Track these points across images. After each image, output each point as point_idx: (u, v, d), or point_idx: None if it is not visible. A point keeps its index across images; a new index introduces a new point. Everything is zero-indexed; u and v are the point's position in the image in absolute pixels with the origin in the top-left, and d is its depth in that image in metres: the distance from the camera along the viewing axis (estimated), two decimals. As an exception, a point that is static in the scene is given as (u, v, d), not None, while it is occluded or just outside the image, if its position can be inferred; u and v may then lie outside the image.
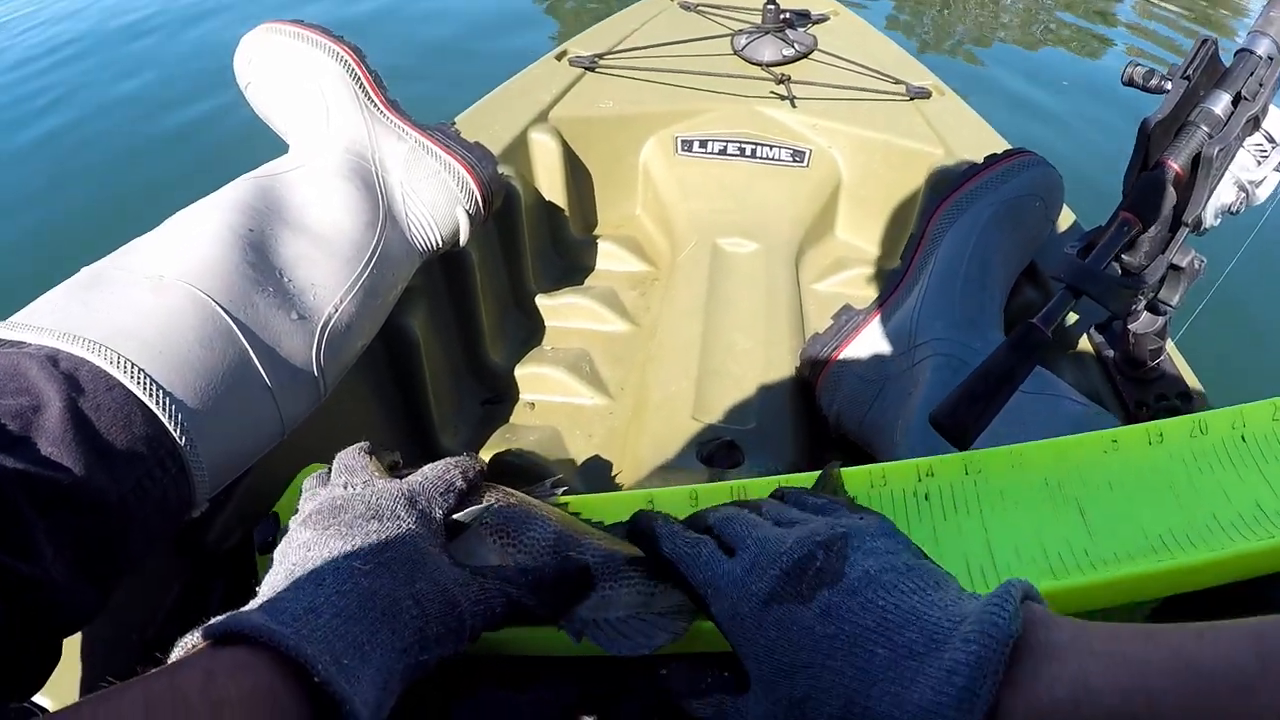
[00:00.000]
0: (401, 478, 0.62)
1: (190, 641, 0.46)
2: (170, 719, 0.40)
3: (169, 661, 0.46)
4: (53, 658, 0.57)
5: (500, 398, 1.22)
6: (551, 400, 1.21)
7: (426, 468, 0.62)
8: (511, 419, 1.20)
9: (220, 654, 0.44)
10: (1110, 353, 1.08)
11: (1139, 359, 1.03)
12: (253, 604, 0.49)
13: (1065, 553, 0.68)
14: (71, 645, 0.65)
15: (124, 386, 0.62)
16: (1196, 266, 0.93)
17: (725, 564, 0.55)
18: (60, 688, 0.63)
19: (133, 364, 0.63)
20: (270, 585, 0.52)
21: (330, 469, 0.63)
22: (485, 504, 0.63)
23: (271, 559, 0.59)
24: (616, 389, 1.21)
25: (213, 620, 0.46)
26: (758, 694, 0.51)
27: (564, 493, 0.73)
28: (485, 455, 1.13)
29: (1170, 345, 1.05)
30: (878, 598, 0.47)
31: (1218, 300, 1.02)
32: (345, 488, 0.58)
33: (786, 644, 0.49)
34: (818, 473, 0.75)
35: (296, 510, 0.61)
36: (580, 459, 1.12)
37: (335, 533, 0.53)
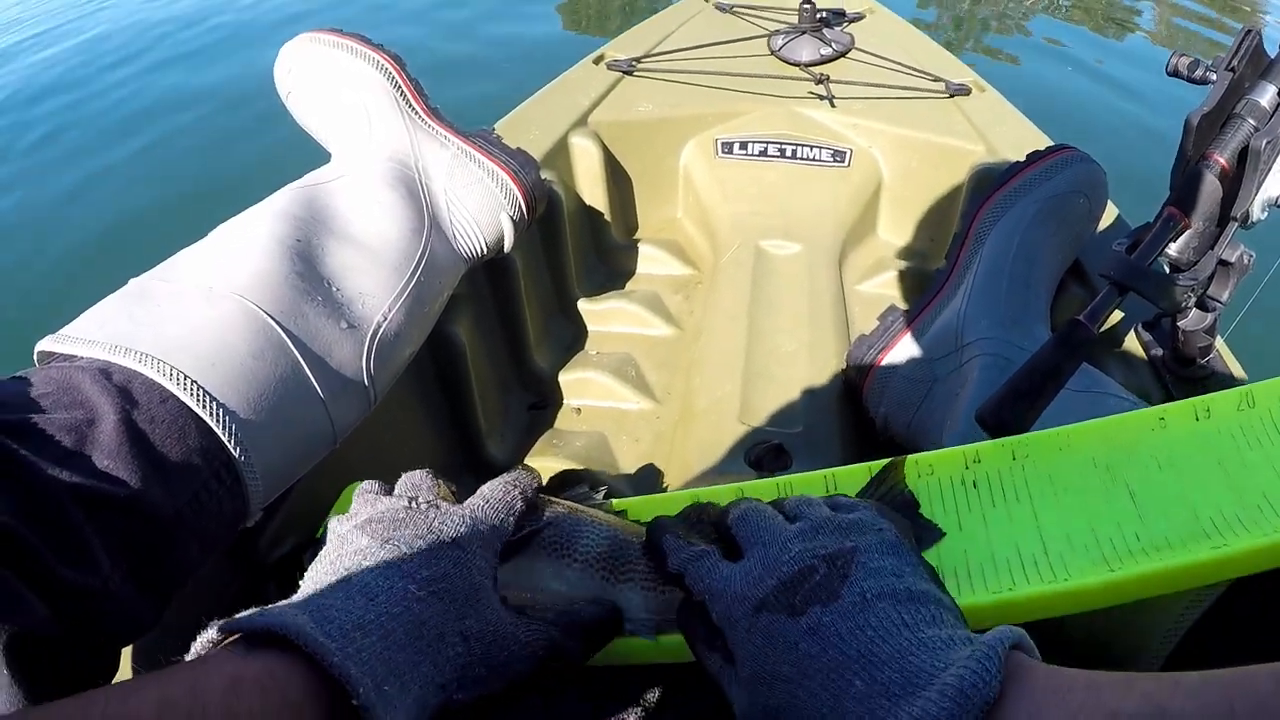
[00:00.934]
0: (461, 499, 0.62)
1: (211, 637, 0.46)
2: None
3: (193, 653, 0.45)
4: (111, 665, 0.58)
5: (546, 403, 1.23)
6: (598, 405, 1.22)
7: (487, 489, 0.61)
8: (558, 424, 1.20)
9: (250, 659, 0.43)
10: (1159, 351, 1.07)
11: (1188, 356, 1.02)
12: (293, 600, 0.49)
13: (1117, 538, 0.67)
14: (124, 653, 0.66)
15: (178, 399, 0.63)
16: (1245, 262, 0.92)
17: (725, 569, 0.54)
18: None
19: (186, 376, 0.64)
20: (314, 582, 0.51)
21: (381, 485, 0.63)
22: (541, 519, 0.63)
23: None
24: (662, 393, 1.22)
25: (248, 613, 0.45)
26: (742, 691, 0.51)
27: (605, 494, 0.73)
28: (532, 461, 1.14)
29: (1220, 342, 1.04)
30: (867, 625, 0.47)
31: (1269, 295, 1.01)
32: (410, 504, 0.58)
33: (771, 653, 0.49)
34: (866, 464, 0.75)
35: (349, 514, 0.61)
36: (627, 464, 1.12)
37: (394, 548, 0.53)
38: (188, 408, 0.63)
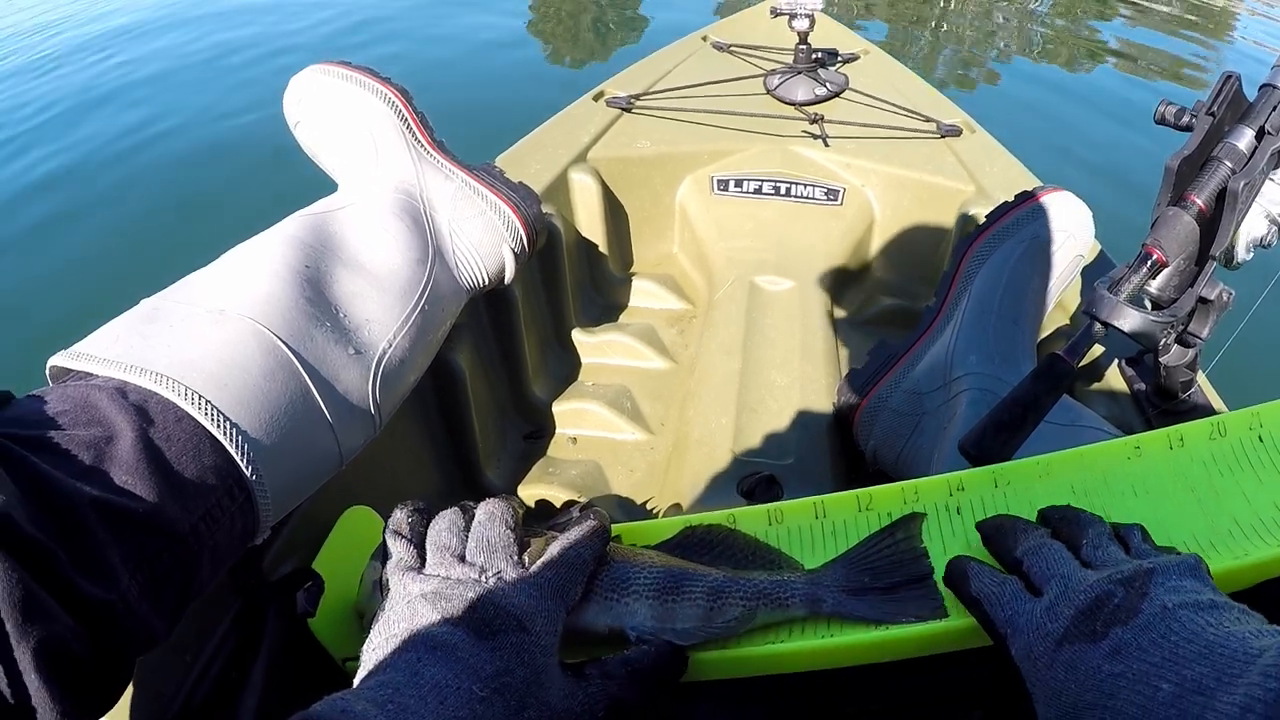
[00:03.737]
0: (532, 539, 0.65)
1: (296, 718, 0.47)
2: None
3: None
4: (124, 678, 0.59)
5: (542, 432, 1.25)
6: (593, 435, 1.24)
7: (558, 550, 0.63)
8: (553, 453, 1.22)
9: None
10: (1142, 385, 1.09)
11: (1170, 391, 1.04)
12: (368, 688, 0.51)
13: None
14: None
15: (192, 418, 0.64)
16: (1225, 299, 0.94)
17: (1026, 604, 0.55)
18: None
19: (201, 396, 0.65)
20: (383, 658, 0.54)
21: (416, 517, 0.66)
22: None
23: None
24: (657, 424, 1.23)
25: (326, 706, 0.48)
26: None
27: (580, 511, 0.75)
28: (527, 489, 1.16)
29: (1201, 377, 1.06)
30: (1170, 632, 0.46)
31: (1250, 332, 1.03)
32: (481, 575, 0.60)
33: (1074, 685, 0.48)
34: (855, 492, 0.77)
35: (391, 554, 0.63)
36: (621, 492, 1.14)
37: (464, 636, 0.54)
38: (202, 427, 0.64)
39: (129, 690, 0.67)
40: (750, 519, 0.78)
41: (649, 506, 1.11)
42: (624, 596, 0.66)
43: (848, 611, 0.68)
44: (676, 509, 1.05)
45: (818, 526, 0.77)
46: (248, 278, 0.77)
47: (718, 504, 1.03)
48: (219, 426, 0.65)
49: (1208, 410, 1.05)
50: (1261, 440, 0.75)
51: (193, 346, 0.69)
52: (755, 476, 1.06)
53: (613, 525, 0.73)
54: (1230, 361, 1.07)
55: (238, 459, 0.66)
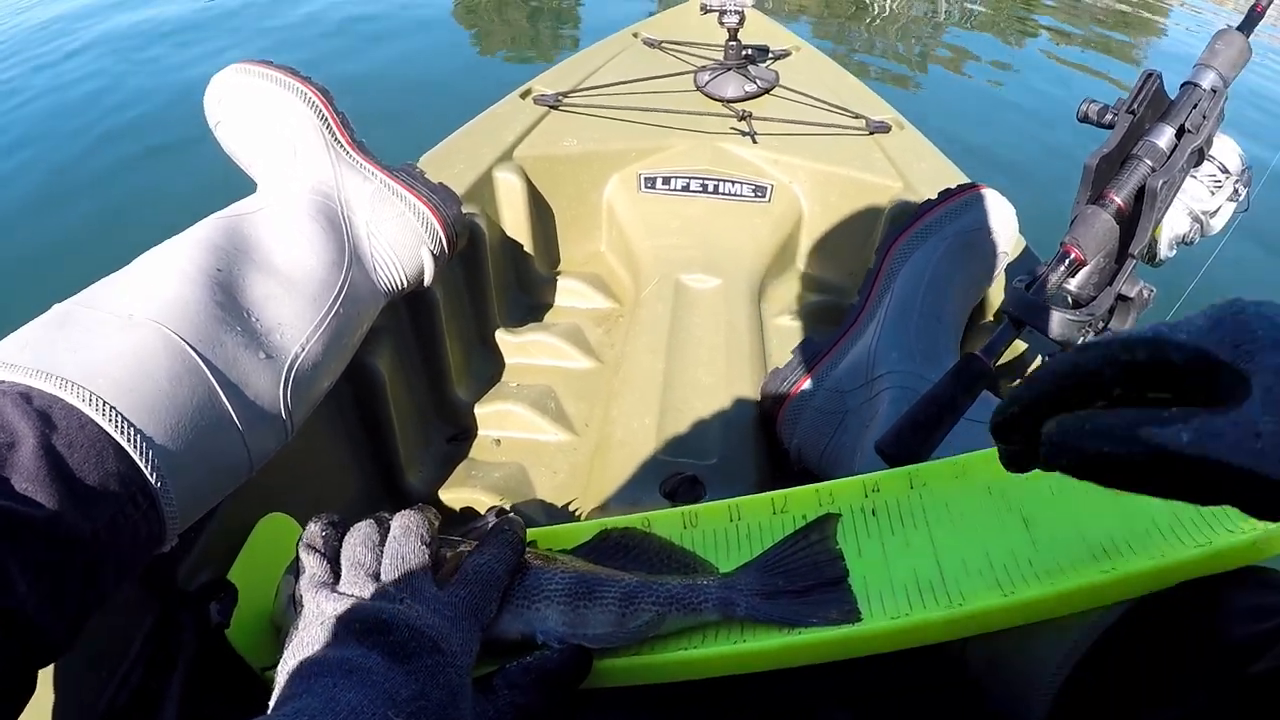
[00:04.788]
0: (449, 550, 0.66)
1: None
2: None
3: None
4: (27, 689, 0.58)
5: (465, 435, 1.23)
6: (516, 437, 1.22)
7: (473, 568, 0.64)
8: (477, 456, 1.20)
9: None
10: (1065, 382, 1.09)
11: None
12: (280, 716, 0.51)
13: (1011, 564, 0.69)
14: (44, 676, 0.66)
15: (96, 424, 0.63)
16: (1145, 296, 0.95)
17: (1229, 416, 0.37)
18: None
19: (105, 402, 0.64)
20: (299, 694, 0.53)
21: (330, 530, 0.66)
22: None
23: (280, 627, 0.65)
24: (581, 425, 1.22)
25: None
26: None
27: (498, 518, 0.75)
28: (449, 493, 1.14)
29: (1123, 375, 1.06)
30: None
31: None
32: (396, 599, 0.59)
33: None
34: (769, 494, 0.77)
35: (304, 569, 0.63)
36: (544, 494, 1.13)
37: (379, 659, 0.54)
38: (106, 433, 0.63)
39: (48, 702, 0.67)
40: (666, 522, 0.78)
41: (571, 508, 1.09)
42: (535, 603, 0.66)
43: (761, 615, 0.68)
44: (599, 510, 1.04)
45: (733, 529, 0.77)
46: (157, 282, 0.76)
47: (640, 504, 1.02)
48: (123, 432, 0.64)
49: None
50: None
51: (99, 352, 0.67)
52: (678, 477, 1.06)
53: (529, 530, 0.73)
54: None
55: (141, 465, 0.65)
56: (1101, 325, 0.96)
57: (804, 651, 0.67)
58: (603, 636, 0.66)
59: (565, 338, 1.33)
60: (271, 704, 0.55)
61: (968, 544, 0.72)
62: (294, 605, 0.64)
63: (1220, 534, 0.67)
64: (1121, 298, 0.93)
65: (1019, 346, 1.17)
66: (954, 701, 0.81)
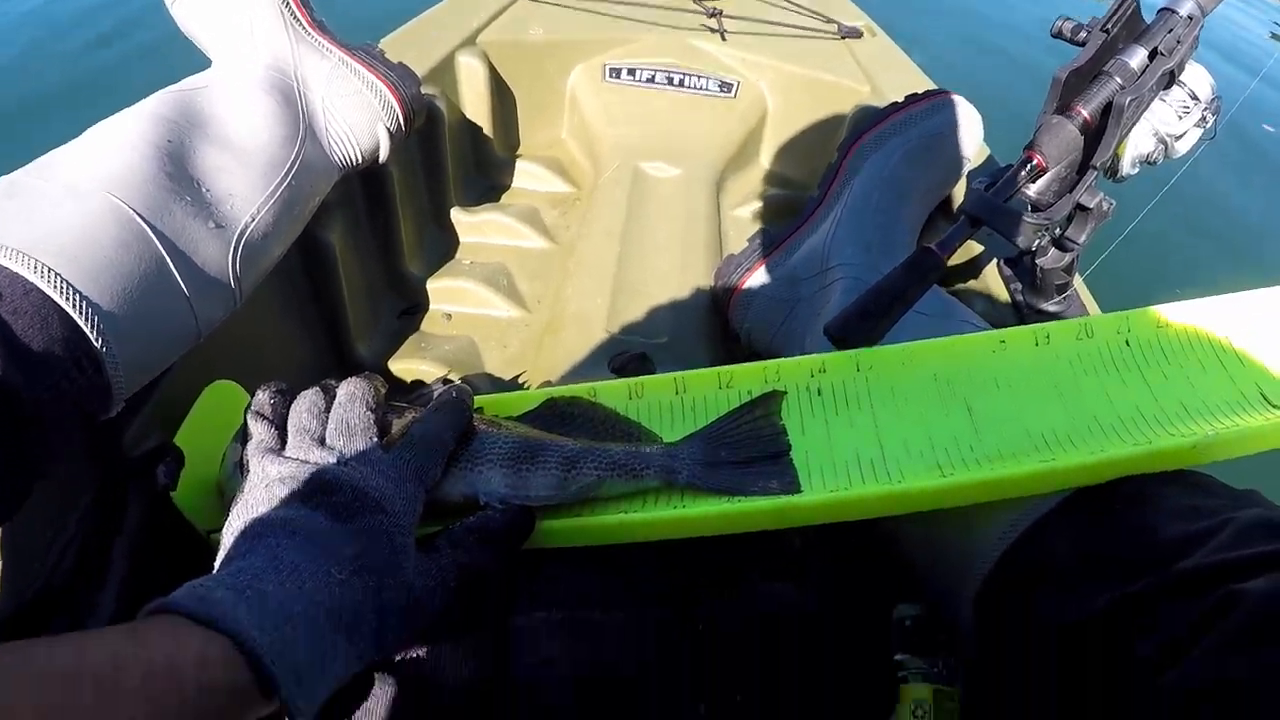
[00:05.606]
0: (395, 417, 0.66)
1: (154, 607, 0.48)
2: (162, 697, 0.42)
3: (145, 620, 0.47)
4: None
5: (416, 309, 1.23)
6: (468, 312, 1.22)
7: (418, 431, 0.64)
8: (427, 330, 1.20)
9: (211, 642, 0.46)
10: (1018, 286, 1.10)
11: (1045, 292, 1.06)
12: (227, 574, 0.51)
13: (952, 448, 0.70)
14: None
15: (40, 291, 0.62)
16: (1105, 208, 0.95)
17: None
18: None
19: (49, 269, 0.63)
20: (242, 543, 0.55)
21: (278, 398, 0.66)
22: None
23: (225, 487, 0.66)
24: (533, 302, 1.22)
25: (188, 592, 0.48)
26: None
27: (445, 386, 0.75)
28: (398, 364, 1.14)
29: (1079, 281, 1.07)
30: None
31: (1134, 244, 1.04)
32: (339, 460, 0.60)
33: None
34: (716, 369, 0.78)
35: (251, 435, 0.63)
36: (494, 368, 1.13)
37: (323, 519, 0.55)
38: (51, 299, 0.63)
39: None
40: (611, 393, 0.78)
41: (520, 382, 1.10)
42: (479, 465, 0.67)
43: (702, 483, 0.69)
44: (548, 384, 1.04)
45: (678, 402, 0.78)
46: (106, 153, 0.75)
47: (589, 379, 1.01)
48: (68, 298, 0.63)
49: (1080, 313, 1.07)
50: (1128, 344, 0.76)
51: (45, 221, 0.67)
52: (627, 354, 1.06)
53: (476, 398, 0.73)
54: (1111, 268, 1.08)
55: (87, 330, 0.64)
56: (1059, 232, 0.96)
57: (743, 519, 0.68)
58: (544, 498, 0.67)
59: (521, 218, 1.32)
60: (216, 565, 0.55)
61: (910, 427, 0.73)
62: (240, 471, 0.64)
63: (1161, 436, 0.68)
64: (1080, 207, 0.94)
65: (974, 248, 1.17)
66: (889, 572, 0.83)
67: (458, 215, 1.33)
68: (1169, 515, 0.62)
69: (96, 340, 0.65)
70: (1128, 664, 0.55)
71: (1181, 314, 0.77)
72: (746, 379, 0.77)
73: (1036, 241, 0.91)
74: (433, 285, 1.23)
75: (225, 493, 0.71)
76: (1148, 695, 0.52)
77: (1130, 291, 1.46)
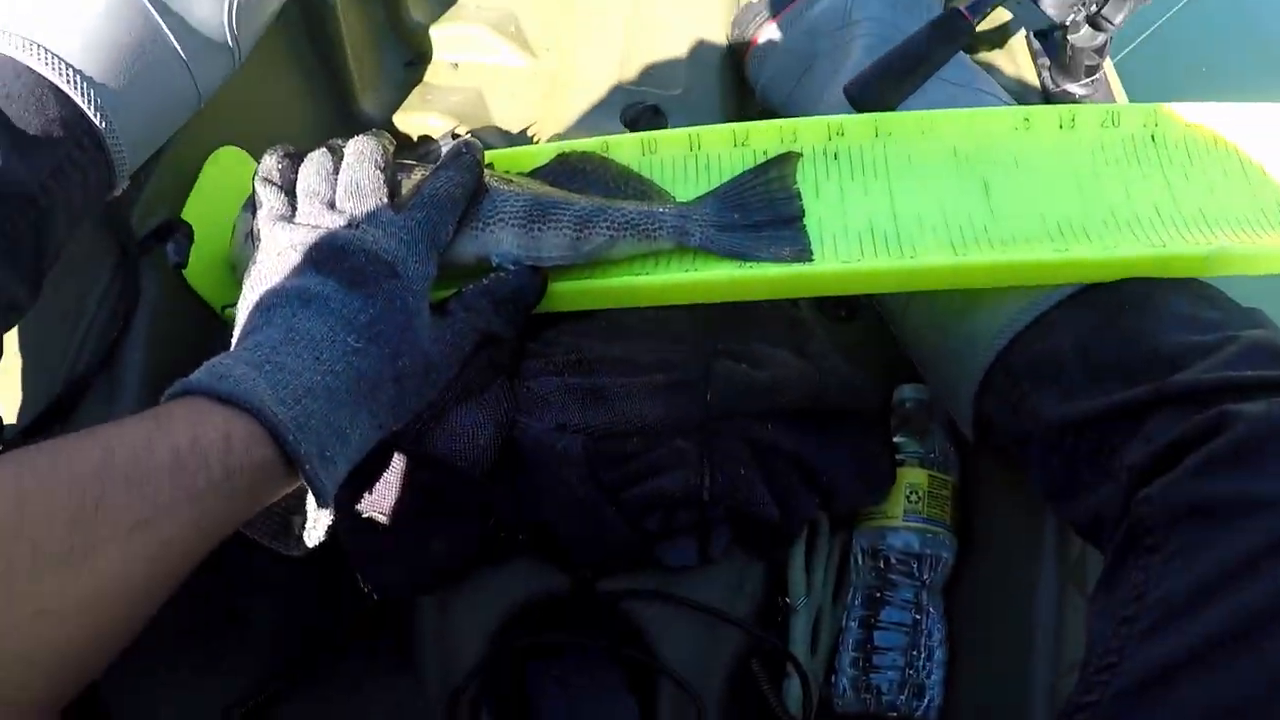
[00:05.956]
0: (404, 175, 0.65)
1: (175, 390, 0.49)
2: (192, 479, 0.43)
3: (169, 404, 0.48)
4: None
5: (421, 59, 1.19)
6: (475, 60, 1.18)
7: (429, 190, 0.62)
8: (434, 80, 1.17)
9: (234, 420, 0.47)
10: (1046, 61, 1.07)
11: (1074, 72, 1.02)
12: (245, 350, 0.52)
13: (966, 227, 0.70)
14: (9, 341, 0.66)
15: (32, 70, 0.60)
16: (1145, -10, 0.91)
17: None
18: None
19: (40, 46, 0.61)
20: (259, 327, 0.54)
21: (286, 162, 0.64)
22: None
23: (239, 256, 0.68)
24: (543, 50, 1.18)
25: (208, 372, 0.49)
26: None
27: (454, 140, 0.73)
28: (405, 116, 1.12)
29: (1109, 64, 1.04)
30: None
31: (1173, 33, 1.00)
32: (349, 223, 0.59)
33: None
34: (731, 125, 0.76)
35: (261, 203, 0.62)
36: (503, 120, 1.11)
37: (336, 286, 0.55)
38: (44, 78, 0.61)
39: (15, 367, 0.69)
40: (625, 147, 0.77)
41: (530, 135, 1.08)
42: (491, 225, 0.66)
43: (714, 246, 0.68)
44: (559, 137, 1.04)
45: (691, 159, 0.77)
46: None
47: (601, 131, 0.99)
48: (61, 75, 0.61)
49: (1107, 99, 1.04)
50: (1154, 139, 0.75)
51: None
52: (639, 105, 1.06)
53: (486, 153, 0.71)
54: (1143, 56, 1.05)
55: (84, 107, 0.62)
56: (1095, 9, 0.93)
57: (753, 286, 0.68)
58: (557, 259, 0.67)
59: (529, -42, 1.26)
60: (233, 341, 0.56)
61: (926, 200, 0.72)
62: (251, 241, 0.64)
63: (1175, 240, 0.68)
64: (1120, -15, 0.90)
65: (1004, 15, 1.13)
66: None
67: (463, -44, 1.27)
68: (1171, 323, 0.62)
69: (95, 116, 0.63)
70: (1114, 469, 0.56)
71: (1212, 116, 0.75)
72: (763, 137, 0.76)
73: (1070, 15, 0.88)
74: (438, 33, 1.18)
75: (237, 265, 0.72)
76: (1128, 504, 0.53)
77: (1163, 84, 1.42)
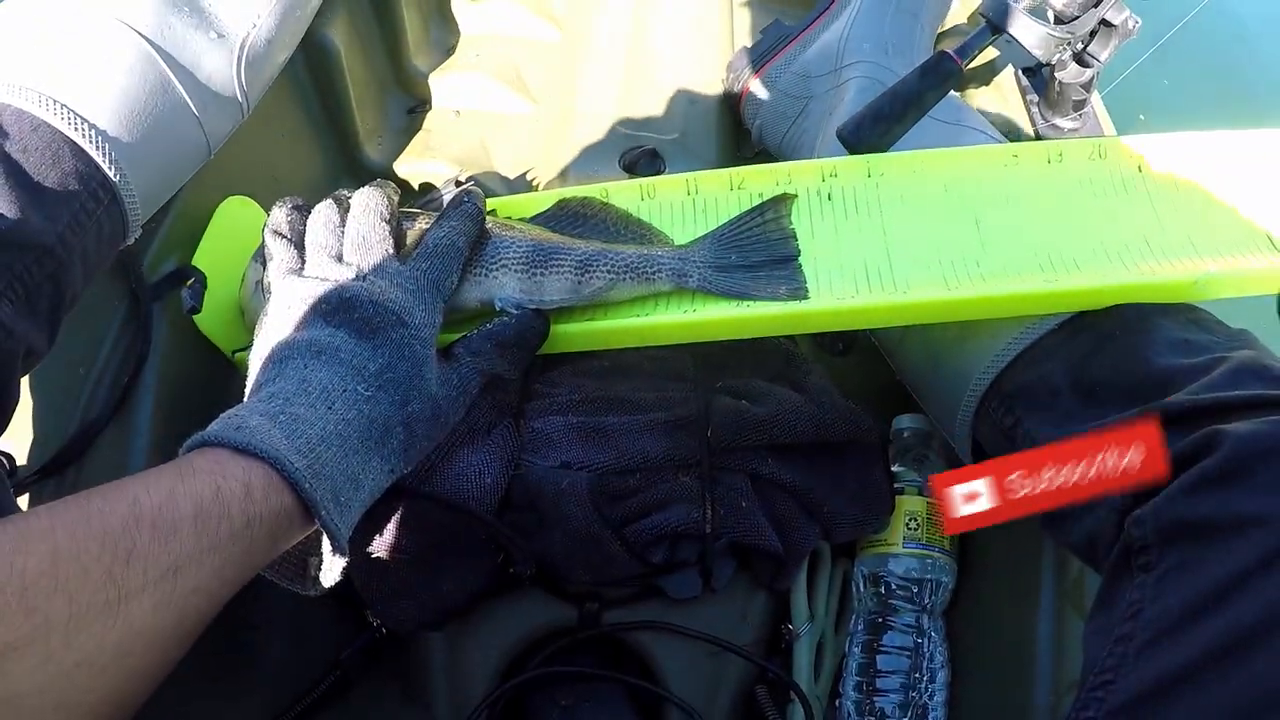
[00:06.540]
0: (409, 225, 0.67)
1: (194, 442, 0.50)
2: (216, 528, 0.44)
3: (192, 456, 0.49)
4: (10, 399, 0.59)
5: (423, 106, 1.20)
6: (476, 108, 1.19)
7: (433, 240, 0.64)
8: (436, 127, 1.18)
9: (253, 470, 0.48)
10: (1035, 97, 1.08)
11: (1062, 107, 1.04)
12: (259, 402, 0.53)
13: (958, 261, 0.71)
14: (25, 385, 0.67)
15: (49, 125, 0.62)
16: (1130, 26, 0.92)
17: None
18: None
19: (55, 100, 0.62)
20: (272, 379, 0.55)
21: (295, 214, 0.66)
22: None
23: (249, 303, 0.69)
24: (542, 96, 1.19)
25: (225, 424, 0.50)
26: None
27: (456, 189, 0.75)
28: (408, 164, 1.14)
29: (1096, 99, 1.06)
30: None
31: (1158, 66, 1.02)
32: (357, 275, 0.61)
33: None
34: (728, 170, 0.78)
35: (271, 256, 0.63)
36: (503, 166, 1.12)
37: (346, 337, 0.57)
38: (60, 132, 0.62)
39: (28, 411, 0.69)
40: (624, 193, 0.78)
41: (530, 179, 1.09)
42: (494, 271, 0.68)
43: (712, 287, 0.70)
44: (558, 181, 1.05)
45: (689, 203, 0.78)
46: None
47: (600, 176, 1.03)
48: (76, 129, 0.63)
49: (1095, 132, 1.06)
50: (1141, 170, 0.76)
51: (44, 49, 0.65)
52: (638, 150, 1.07)
53: (488, 200, 0.73)
54: (1131, 90, 1.06)
55: (99, 160, 0.64)
56: (1081, 46, 0.94)
57: (752, 324, 0.70)
58: (558, 301, 0.68)
59: (527, 6, 1.27)
60: (246, 391, 0.57)
61: (919, 237, 0.73)
62: (262, 290, 0.66)
63: (1164, 267, 0.69)
64: (1105, 23, 0.91)
65: (992, 54, 1.14)
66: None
67: (461, 5, 1.28)
68: (1162, 347, 0.63)
69: (110, 169, 0.64)
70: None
71: (1198, 145, 0.77)
72: (758, 180, 0.78)
73: (1057, 54, 0.90)
74: (439, 80, 1.20)
75: (247, 313, 0.73)
76: (1121, 525, 0.53)
77: (1149, 116, 1.44)
